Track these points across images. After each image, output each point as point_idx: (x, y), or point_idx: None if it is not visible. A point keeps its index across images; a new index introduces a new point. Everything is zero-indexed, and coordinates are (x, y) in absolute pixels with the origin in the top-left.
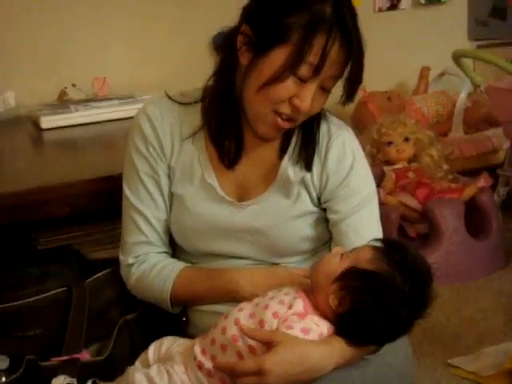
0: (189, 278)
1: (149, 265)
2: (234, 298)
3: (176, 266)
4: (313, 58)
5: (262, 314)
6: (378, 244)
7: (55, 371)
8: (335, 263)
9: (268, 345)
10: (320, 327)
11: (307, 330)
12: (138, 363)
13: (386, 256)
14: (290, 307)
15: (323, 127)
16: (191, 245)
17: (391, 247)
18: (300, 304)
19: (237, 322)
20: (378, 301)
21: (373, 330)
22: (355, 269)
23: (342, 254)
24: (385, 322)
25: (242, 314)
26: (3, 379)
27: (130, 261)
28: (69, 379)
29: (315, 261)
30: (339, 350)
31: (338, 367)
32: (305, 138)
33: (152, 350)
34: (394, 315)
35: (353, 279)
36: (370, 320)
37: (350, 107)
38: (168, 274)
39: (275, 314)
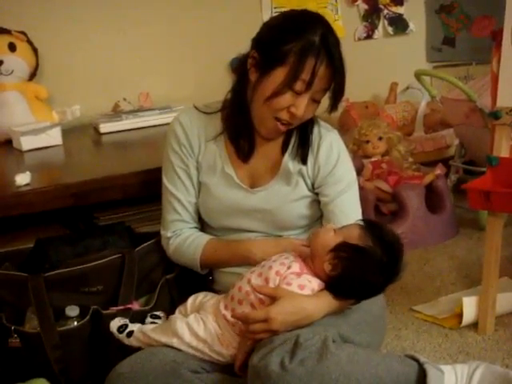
0: (213, 247)
1: (183, 237)
2: (248, 262)
3: (204, 238)
4: (305, 75)
5: (267, 273)
6: (362, 223)
7: (113, 318)
8: (330, 237)
9: (273, 298)
10: (312, 283)
11: (303, 286)
12: (177, 312)
13: (369, 234)
14: (289, 268)
15: (315, 130)
16: (215, 222)
17: (372, 227)
18: (297, 265)
19: (249, 281)
20: (363, 269)
21: (357, 290)
22: (346, 243)
23: (334, 230)
24: (367, 285)
25: (253, 274)
26: (75, 323)
27: (169, 234)
28: (123, 320)
29: (310, 233)
30: (328, 302)
31: (327, 315)
32: (301, 139)
33: (190, 302)
34: (375, 280)
35: (344, 251)
36: (355, 283)
37: (336, 114)
38: (198, 244)
39: (277, 273)
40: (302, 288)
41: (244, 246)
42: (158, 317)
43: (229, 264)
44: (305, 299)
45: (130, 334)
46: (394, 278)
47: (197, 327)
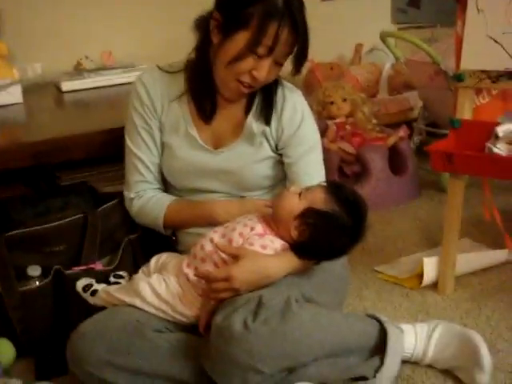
0: (177, 207)
1: (146, 198)
2: (212, 223)
3: (167, 199)
4: (267, 40)
5: (230, 234)
6: (326, 185)
7: (76, 278)
8: (295, 202)
9: (235, 258)
10: (274, 244)
11: (265, 246)
12: (141, 273)
13: (334, 197)
14: (252, 229)
15: (279, 91)
16: (178, 182)
17: (337, 189)
18: (260, 227)
19: (212, 240)
20: (329, 233)
21: (323, 252)
22: (312, 209)
23: (299, 194)
24: (333, 248)
25: (216, 234)
26: (37, 283)
27: (132, 195)
28: (89, 280)
29: (274, 194)
30: (290, 262)
31: (288, 275)
32: (265, 100)
33: (153, 262)
34: (340, 243)
35: (310, 217)
36: (321, 246)
37: (301, 75)
38: (161, 205)
39: (240, 234)
40: (264, 248)
41: (208, 206)
42: (121, 276)
43: (192, 224)
44: (266, 258)
45: (94, 293)
46: (358, 239)
47: (159, 287)
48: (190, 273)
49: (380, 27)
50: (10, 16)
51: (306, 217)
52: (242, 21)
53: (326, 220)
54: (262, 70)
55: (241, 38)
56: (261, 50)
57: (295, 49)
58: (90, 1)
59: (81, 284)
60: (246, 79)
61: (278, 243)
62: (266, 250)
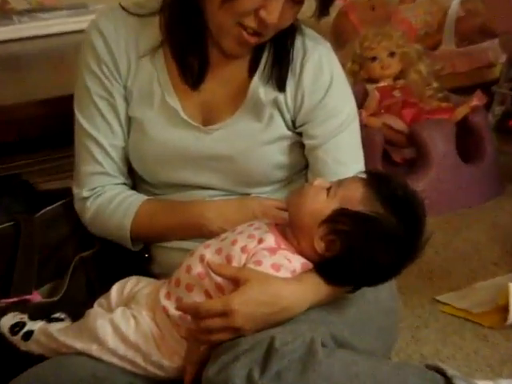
0: (151, 211)
1: (106, 198)
2: (201, 233)
3: (136, 199)
4: None
5: (230, 249)
6: (366, 177)
7: (3, 313)
8: (322, 201)
9: (236, 283)
10: (292, 263)
11: (278, 266)
12: (97, 306)
13: (377, 195)
14: (260, 241)
15: (297, 42)
16: (152, 175)
17: (381, 182)
18: (271, 238)
19: (202, 259)
20: (370, 246)
21: (361, 274)
22: (346, 211)
23: (327, 190)
24: (375, 267)
25: (208, 250)
26: None
27: (85, 194)
28: (19, 316)
29: (290, 190)
30: (315, 289)
31: (312, 307)
32: (277, 55)
33: (115, 290)
34: (386, 260)
35: (344, 223)
36: (359, 265)
37: (329, 19)
38: (128, 207)
39: (244, 249)
40: (277, 269)
41: (195, 209)
42: (61, 319)
43: (173, 236)
44: (281, 284)
45: (29, 335)
46: (413, 256)
47: (125, 327)
48: (171, 306)
49: None
50: None
51: (337, 222)
52: None
53: (365, 227)
54: (273, 9)
55: None
56: None
57: None
58: None
59: (7, 323)
60: (251, 23)
61: (297, 262)
62: (279, 271)
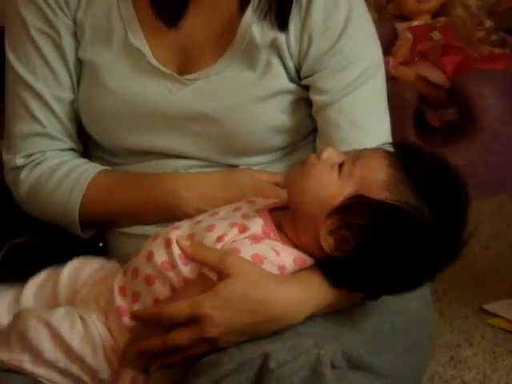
0: (106, 186)
1: (47, 167)
2: (173, 216)
3: (88, 170)
4: None
5: (203, 235)
6: (392, 150)
7: None
8: (332, 183)
9: (217, 275)
10: (281, 256)
11: (261, 257)
12: (28, 299)
13: (406, 175)
14: (243, 230)
15: None
16: (110, 138)
17: (412, 159)
18: (258, 224)
19: (168, 244)
20: (395, 246)
21: (381, 280)
22: (364, 199)
23: (339, 166)
24: (401, 272)
25: (176, 233)
26: None
27: (19, 162)
28: None
29: (292, 163)
30: (316, 291)
31: (315, 315)
32: None
33: (67, 274)
34: (415, 262)
35: (361, 215)
36: (379, 269)
37: None
38: (76, 181)
39: (220, 239)
40: (258, 261)
41: (166, 185)
42: None
43: (135, 219)
44: (273, 285)
45: None
46: (451, 256)
47: (68, 332)
48: (127, 307)
49: None
50: None
51: (352, 213)
52: None
53: (389, 221)
54: None
55: None
56: None
57: None
58: None
59: None
60: None
61: (287, 255)
62: (262, 265)
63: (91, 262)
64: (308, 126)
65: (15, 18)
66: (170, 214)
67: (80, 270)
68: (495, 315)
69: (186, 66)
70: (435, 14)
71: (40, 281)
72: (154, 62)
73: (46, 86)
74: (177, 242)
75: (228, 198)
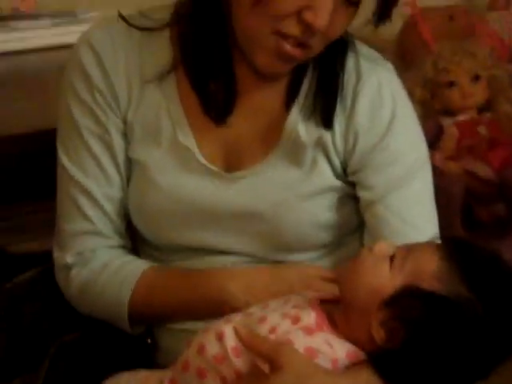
0: (156, 282)
1: (97, 265)
2: (223, 311)
3: (137, 266)
4: None
5: (256, 327)
6: (442, 244)
7: None
8: (384, 275)
9: (272, 367)
10: (335, 350)
11: (314, 351)
12: None
13: (458, 269)
14: (296, 321)
15: (349, 63)
16: (158, 234)
17: (463, 253)
18: (311, 316)
19: (220, 337)
20: (446, 338)
21: (433, 375)
22: (417, 290)
23: (390, 259)
24: (453, 367)
25: (229, 326)
26: None
27: (70, 260)
28: None
29: (340, 258)
30: None
31: None
32: (322, 80)
33: None
34: (469, 358)
35: (413, 307)
36: (431, 363)
37: (391, 31)
38: (125, 278)
39: (273, 330)
40: (312, 355)
41: (214, 279)
42: None
43: (184, 314)
44: (323, 378)
45: None
46: (507, 353)
47: None
48: None
49: None
50: None
51: (404, 305)
52: None
53: (441, 314)
54: (321, 9)
55: None
56: None
57: None
58: None
59: None
60: (293, 29)
61: (341, 349)
62: (315, 358)
63: (125, 375)
64: (354, 222)
65: (67, 120)
66: (219, 309)
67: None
68: None
69: (232, 163)
70: (481, 109)
71: None
72: (202, 160)
73: (97, 185)
74: (234, 329)
75: (277, 292)
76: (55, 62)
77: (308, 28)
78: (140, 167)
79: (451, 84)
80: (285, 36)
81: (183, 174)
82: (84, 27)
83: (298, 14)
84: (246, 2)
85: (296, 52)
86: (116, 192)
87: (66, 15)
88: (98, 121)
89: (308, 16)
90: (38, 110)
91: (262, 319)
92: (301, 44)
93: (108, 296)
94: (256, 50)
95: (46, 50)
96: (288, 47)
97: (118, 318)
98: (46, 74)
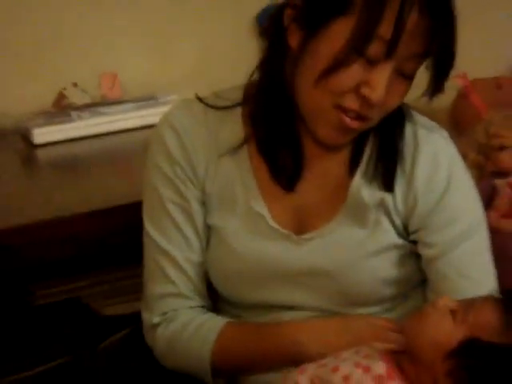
0: (234, 337)
1: (179, 324)
2: (297, 362)
3: (216, 323)
4: (384, 30)
5: (329, 377)
6: (501, 298)
7: None
8: (447, 329)
9: None
10: None
11: None
12: None
13: None
14: (367, 370)
15: (407, 131)
16: (236, 293)
17: None
18: (382, 366)
19: None
20: None
21: None
22: (479, 342)
23: (453, 312)
24: None
25: (304, 377)
26: None
27: (156, 320)
28: None
29: (403, 312)
30: None
31: None
32: (382, 147)
33: None
34: None
35: (476, 357)
36: None
37: (445, 102)
38: (206, 334)
39: (346, 379)
40: None
41: (288, 332)
42: None
43: (262, 366)
44: None
45: None
46: None
47: None
48: None
49: None
50: None
51: (468, 356)
52: (340, 1)
53: (503, 363)
54: (378, 85)
55: (338, 31)
56: (373, 49)
57: (433, 47)
58: None
59: None
60: (352, 103)
61: None
62: None
63: None
64: (417, 277)
65: (152, 193)
66: (292, 360)
67: None
68: None
69: (301, 226)
70: None
71: None
72: (274, 225)
73: (180, 251)
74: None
75: (347, 341)
76: (140, 142)
77: (366, 102)
78: (217, 233)
79: (502, 148)
80: (345, 110)
81: (257, 238)
82: (164, 109)
83: (357, 89)
84: (310, 80)
85: (355, 124)
86: (196, 256)
87: (148, 99)
88: (179, 192)
89: (366, 91)
90: (125, 184)
91: (335, 368)
92: (360, 116)
93: (191, 351)
94: (318, 123)
95: (131, 131)
96: (348, 120)
97: (202, 372)
98: (132, 153)
